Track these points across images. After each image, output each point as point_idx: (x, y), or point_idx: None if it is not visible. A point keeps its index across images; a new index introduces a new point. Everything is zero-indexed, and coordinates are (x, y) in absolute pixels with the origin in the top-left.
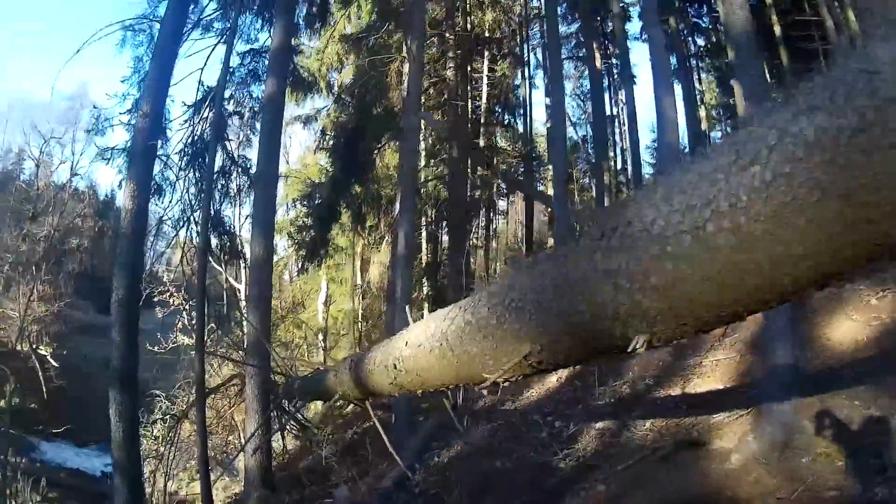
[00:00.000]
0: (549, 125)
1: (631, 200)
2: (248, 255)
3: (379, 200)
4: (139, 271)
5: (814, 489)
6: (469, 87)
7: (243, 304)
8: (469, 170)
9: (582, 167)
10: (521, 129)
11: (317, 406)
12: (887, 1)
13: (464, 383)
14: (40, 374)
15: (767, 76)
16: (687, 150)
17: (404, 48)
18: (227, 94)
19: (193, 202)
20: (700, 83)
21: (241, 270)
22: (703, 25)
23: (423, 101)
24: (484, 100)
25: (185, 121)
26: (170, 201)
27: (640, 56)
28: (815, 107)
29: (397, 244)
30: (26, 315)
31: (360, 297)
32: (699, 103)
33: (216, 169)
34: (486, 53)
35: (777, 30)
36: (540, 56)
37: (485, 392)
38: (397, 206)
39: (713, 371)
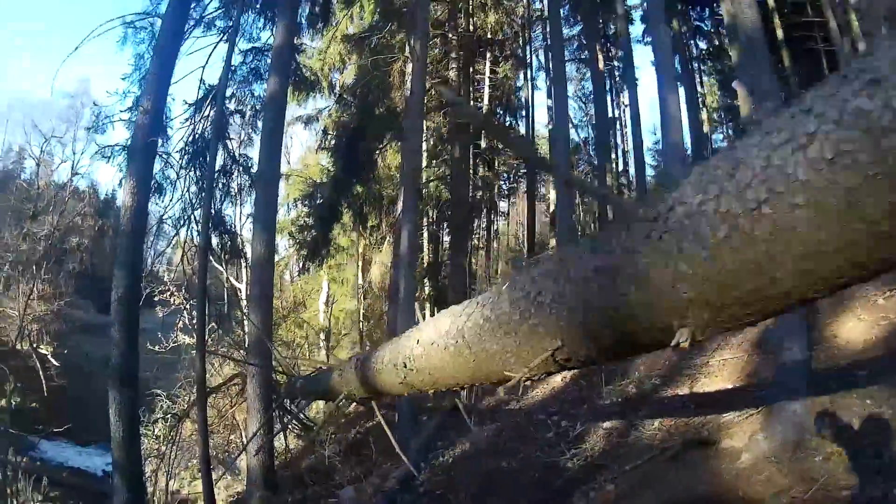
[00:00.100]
0: (550, 127)
1: (684, 182)
2: (248, 255)
3: (380, 200)
4: (139, 269)
5: (828, 488)
6: (471, 89)
7: (244, 303)
8: (471, 171)
9: (583, 169)
10: (522, 130)
11: (318, 405)
12: None
13: (480, 382)
14: (41, 373)
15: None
16: (690, 152)
17: (407, 48)
18: (228, 92)
19: (194, 201)
20: (702, 86)
21: (241, 270)
22: (705, 29)
23: (425, 101)
24: (486, 101)
25: (186, 119)
26: (170, 200)
27: (640, 59)
28: (876, 80)
29: (399, 244)
30: (26, 314)
31: (362, 297)
32: (701, 106)
33: (217, 168)
34: (489, 55)
35: (779, 32)
36: (542, 58)
37: (499, 391)
38: (399, 206)
39: (720, 370)
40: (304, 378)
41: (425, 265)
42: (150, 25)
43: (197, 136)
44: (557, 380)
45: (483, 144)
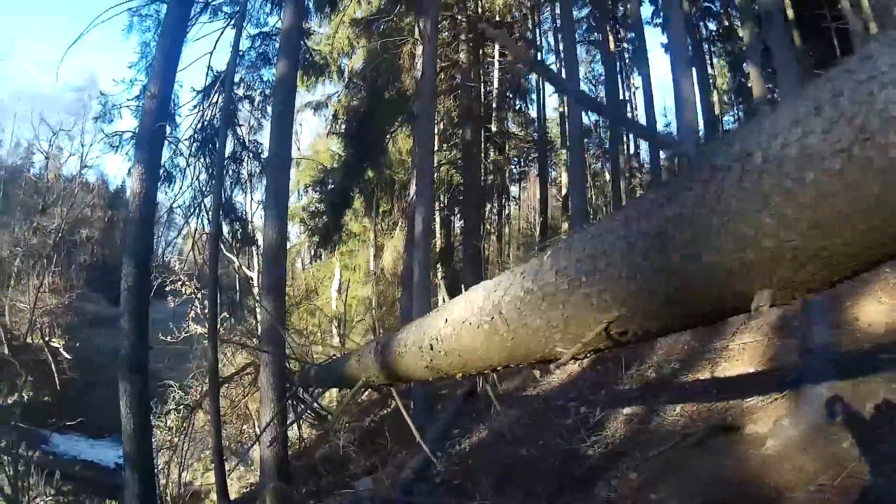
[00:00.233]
0: (561, 109)
1: (763, 120)
2: (260, 242)
3: (392, 185)
4: (149, 257)
5: (857, 475)
6: (481, 72)
7: (256, 291)
8: (482, 154)
9: (594, 152)
10: (533, 114)
11: (331, 394)
12: None
13: (517, 363)
14: (52, 366)
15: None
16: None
17: (416, 31)
18: (237, 78)
19: (204, 189)
20: (712, 68)
21: (253, 258)
22: (715, 10)
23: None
24: (496, 84)
25: (195, 106)
26: (180, 188)
27: (650, 42)
28: None
29: (413, 229)
30: (37, 307)
31: (375, 284)
32: (712, 88)
33: (227, 154)
34: None
35: (790, 13)
36: (551, 40)
37: (516, 376)
38: (411, 190)
39: (741, 354)
40: (319, 366)
41: (438, 250)
42: (156, 13)
43: (206, 122)
44: (574, 365)
45: (493, 128)
